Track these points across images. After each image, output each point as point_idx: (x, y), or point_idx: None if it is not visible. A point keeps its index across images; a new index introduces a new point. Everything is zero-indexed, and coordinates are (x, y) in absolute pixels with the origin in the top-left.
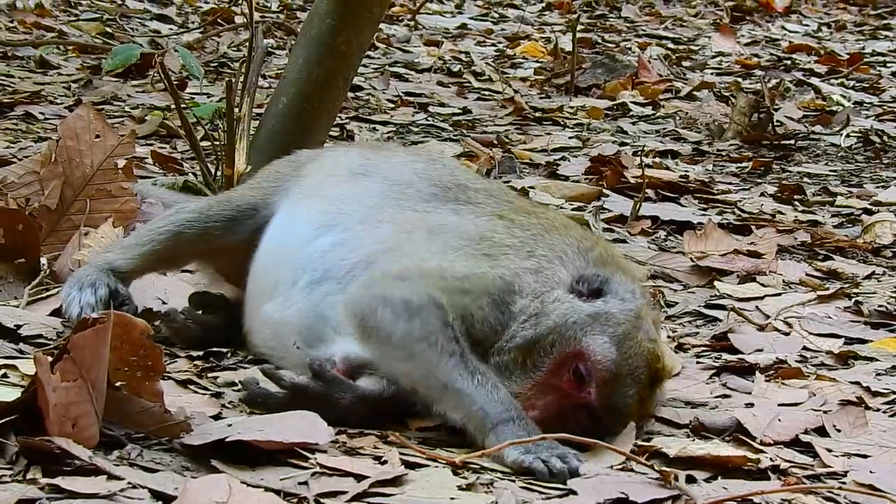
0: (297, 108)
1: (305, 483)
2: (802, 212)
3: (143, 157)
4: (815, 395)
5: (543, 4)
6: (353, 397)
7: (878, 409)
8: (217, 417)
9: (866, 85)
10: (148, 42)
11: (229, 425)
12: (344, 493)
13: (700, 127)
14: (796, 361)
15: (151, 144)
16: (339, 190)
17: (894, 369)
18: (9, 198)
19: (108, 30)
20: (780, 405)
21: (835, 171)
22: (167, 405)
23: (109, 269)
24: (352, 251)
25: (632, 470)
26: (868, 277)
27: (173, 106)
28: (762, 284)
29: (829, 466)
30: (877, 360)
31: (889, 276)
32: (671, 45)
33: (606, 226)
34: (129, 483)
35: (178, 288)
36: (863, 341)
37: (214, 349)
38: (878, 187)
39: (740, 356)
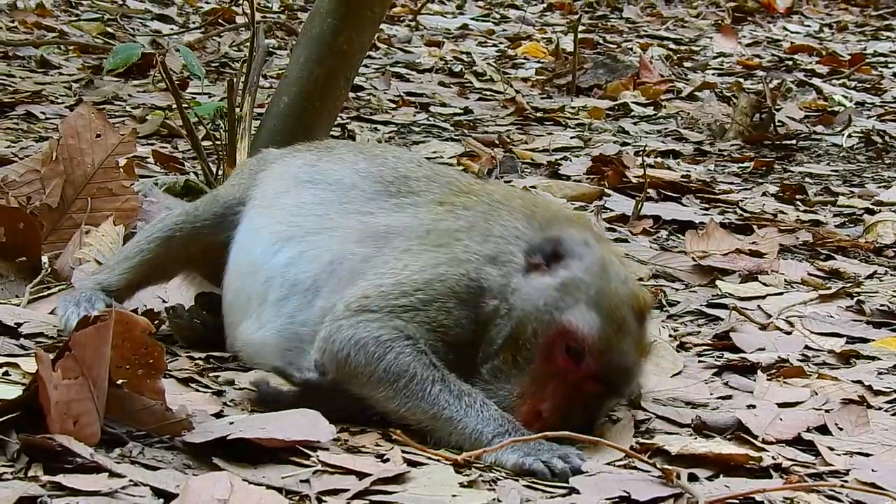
0: (298, 107)
1: (307, 481)
2: (804, 211)
3: (144, 156)
4: (816, 393)
5: (544, 5)
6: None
7: (880, 408)
8: (218, 415)
9: (868, 85)
10: (149, 42)
11: (231, 423)
12: (346, 490)
13: (702, 127)
14: (798, 360)
15: (153, 144)
16: (288, 200)
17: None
18: (10, 196)
19: (109, 30)
20: (781, 404)
21: (836, 171)
22: (168, 403)
23: (101, 290)
24: (310, 263)
25: (634, 468)
26: (870, 277)
27: (174, 105)
28: (764, 284)
29: (831, 465)
30: (878, 359)
31: (891, 275)
32: (672, 46)
33: (608, 225)
34: (130, 481)
35: (179, 290)
36: (864, 340)
37: (216, 351)
38: (879, 187)
39: (742, 355)
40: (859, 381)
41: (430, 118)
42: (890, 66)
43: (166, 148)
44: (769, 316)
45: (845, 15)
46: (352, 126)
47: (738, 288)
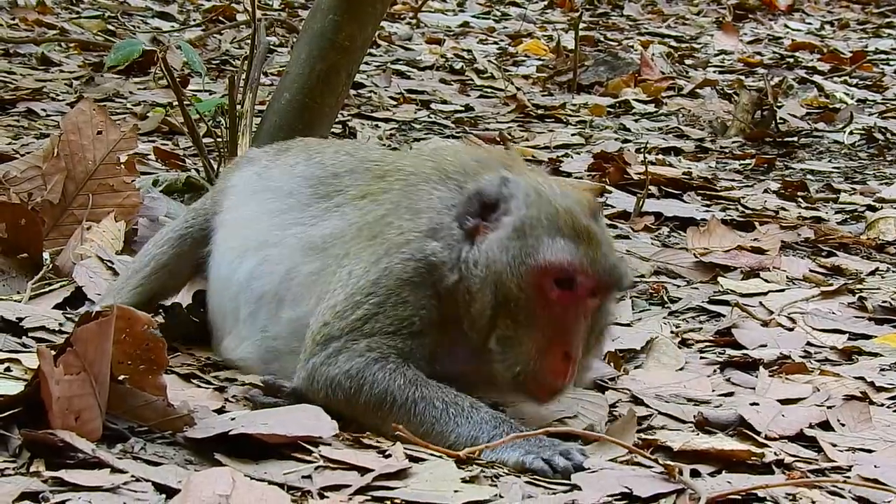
0: (299, 103)
1: (309, 476)
2: (806, 208)
3: (145, 153)
4: (818, 390)
5: (546, 2)
6: None
7: (882, 404)
8: (220, 411)
9: (869, 83)
10: (150, 39)
11: (232, 419)
12: (348, 486)
13: (703, 124)
14: (800, 357)
15: (154, 141)
16: (240, 213)
17: None
18: (11, 193)
19: (110, 27)
20: (783, 400)
21: (838, 167)
22: (170, 399)
23: None
24: (269, 275)
25: (636, 464)
26: (872, 273)
27: (176, 102)
28: (766, 280)
29: (834, 461)
30: (880, 355)
31: (893, 272)
32: (673, 44)
33: (610, 222)
34: (132, 476)
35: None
36: (866, 337)
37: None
38: (881, 184)
39: (744, 352)
40: (861, 378)
41: (431, 115)
42: (891, 63)
43: (167, 145)
44: (771, 312)
45: (846, 12)
46: (353, 123)
47: (740, 284)
